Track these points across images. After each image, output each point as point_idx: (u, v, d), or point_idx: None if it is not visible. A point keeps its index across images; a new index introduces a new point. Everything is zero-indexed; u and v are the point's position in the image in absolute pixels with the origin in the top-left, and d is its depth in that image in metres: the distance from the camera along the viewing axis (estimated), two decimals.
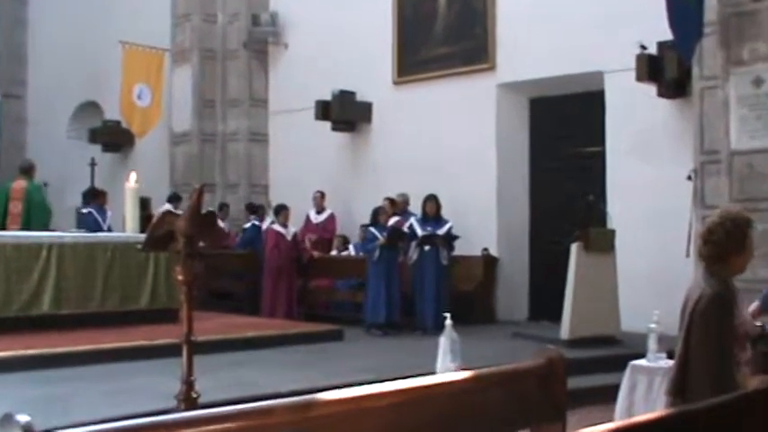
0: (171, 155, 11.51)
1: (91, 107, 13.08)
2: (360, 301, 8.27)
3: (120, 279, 7.07)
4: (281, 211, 9.01)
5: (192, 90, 11.18)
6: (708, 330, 2.40)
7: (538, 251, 8.89)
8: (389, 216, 8.18)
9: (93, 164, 12.09)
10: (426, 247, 7.88)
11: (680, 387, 2.46)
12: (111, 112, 11.94)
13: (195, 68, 11.19)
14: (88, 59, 12.48)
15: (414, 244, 7.95)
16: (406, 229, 8.14)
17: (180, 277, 3.08)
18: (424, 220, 8.07)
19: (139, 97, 10.51)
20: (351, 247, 9.23)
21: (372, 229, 8.03)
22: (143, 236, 3.41)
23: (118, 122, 11.99)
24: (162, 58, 10.83)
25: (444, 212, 8.14)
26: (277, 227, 8.93)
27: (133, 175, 6.91)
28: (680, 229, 6.79)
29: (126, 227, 7.17)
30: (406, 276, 8.05)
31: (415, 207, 8.48)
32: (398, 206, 8.54)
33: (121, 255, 7.06)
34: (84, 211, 9.86)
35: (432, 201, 8.03)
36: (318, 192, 9.74)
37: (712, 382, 2.37)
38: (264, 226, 9.29)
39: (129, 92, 10.47)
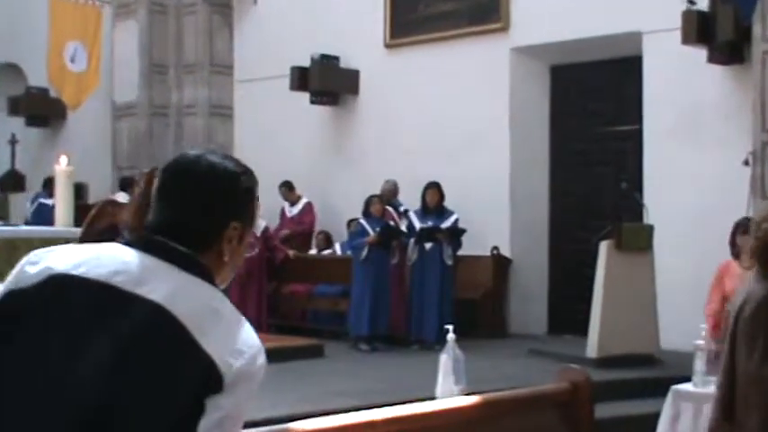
0: (113, 131, 11.44)
1: (10, 71, 12.97)
2: (344, 310, 8.28)
3: None
4: None
5: (138, 51, 11.11)
6: (755, 340, 2.43)
7: (559, 250, 8.92)
8: (383, 207, 8.16)
9: (13, 141, 11.99)
10: (428, 245, 7.91)
11: (728, 411, 2.48)
12: (37, 78, 11.83)
13: (142, 24, 11.13)
14: (6, 11, 12.38)
15: (412, 241, 7.96)
16: (402, 224, 8.15)
17: None
18: (424, 212, 8.08)
19: (72, 59, 10.40)
20: (337, 246, 9.23)
21: (362, 221, 8.03)
22: (78, 230, 3.39)
23: (45, 90, 11.89)
24: (100, 12, 10.74)
25: (447, 204, 8.15)
26: None
27: (65, 157, 6.86)
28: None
29: (56, 220, 7.12)
30: (403, 280, 8.06)
31: (412, 197, 8.49)
32: (385, 195, 8.52)
33: None
34: (48, 202, 9.63)
35: (433, 189, 8.03)
36: (284, 183, 9.66)
37: (763, 403, 2.39)
38: None
39: (58, 53, 10.36)
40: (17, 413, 1.19)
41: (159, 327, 1.23)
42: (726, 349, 2.52)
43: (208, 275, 1.32)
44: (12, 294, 1.27)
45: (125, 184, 9.83)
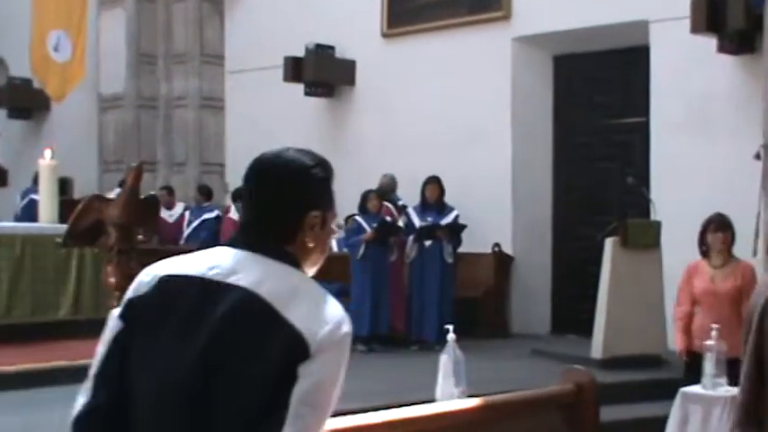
0: (99, 124, 11.43)
1: None
2: None
3: (33, 283, 6.99)
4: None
5: (125, 41, 11.09)
6: None
7: (563, 248, 8.92)
8: (380, 203, 8.16)
9: None
10: (427, 242, 7.92)
11: (752, 413, 2.48)
12: (19, 68, 11.80)
13: (130, 13, 11.10)
14: None
15: (411, 238, 7.97)
16: (400, 221, 8.16)
17: (111, 279, 3.06)
18: (424, 207, 8.08)
19: (56, 49, 10.36)
20: (333, 242, 9.22)
21: (359, 219, 8.04)
22: (63, 227, 3.39)
23: (28, 81, 11.87)
24: None
25: (447, 199, 8.15)
26: (237, 215, 8.95)
27: (49, 151, 6.86)
28: (745, 220, 6.81)
29: (40, 216, 7.11)
30: (402, 278, 8.10)
31: (411, 192, 8.49)
32: (382, 190, 8.51)
33: (34, 251, 7.00)
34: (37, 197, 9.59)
35: (433, 184, 8.04)
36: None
37: None
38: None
39: (42, 42, 10.31)
40: (144, 397, 1.49)
41: (247, 307, 1.47)
42: (749, 347, 2.50)
43: (292, 260, 1.55)
44: (131, 302, 1.56)
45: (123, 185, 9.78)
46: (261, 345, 1.44)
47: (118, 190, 9.27)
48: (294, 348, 1.43)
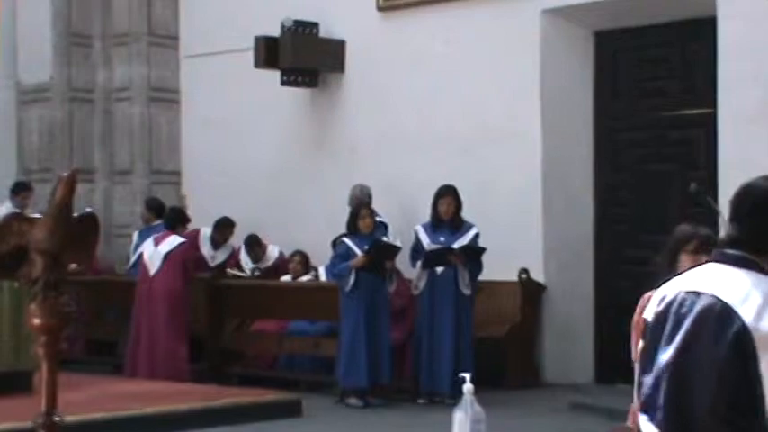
0: (19, 122, 11.41)
1: None
2: (329, 355, 8.26)
3: None
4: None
5: (51, 18, 11.09)
6: None
7: (608, 273, 8.90)
8: (374, 221, 8.16)
9: None
10: (439, 269, 7.90)
11: None
12: None
13: None
14: None
15: (419, 264, 7.95)
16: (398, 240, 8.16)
17: (36, 321, 3.02)
18: (436, 225, 8.06)
19: None
20: (321, 270, 9.22)
21: (347, 240, 8.03)
22: None
23: None
24: None
25: (463, 214, 8.12)
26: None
27: None
28: None
29: None
30: (407, 313, 8.12)
31: (415, 204, 8.47)
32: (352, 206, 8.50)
33: None
34: None
35: (448, 196, 8.02)
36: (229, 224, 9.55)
37: None
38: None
39: None
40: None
41: (710, 308, 2.26)
42: None
43: (758, 268, 2.30)
44: (648, 323, 2.41)
45: (16, 189, 9.79)
46: (718, 336, 2.21)
47: (7, 204, 9.28)
48: (743, 339, 2.19)
